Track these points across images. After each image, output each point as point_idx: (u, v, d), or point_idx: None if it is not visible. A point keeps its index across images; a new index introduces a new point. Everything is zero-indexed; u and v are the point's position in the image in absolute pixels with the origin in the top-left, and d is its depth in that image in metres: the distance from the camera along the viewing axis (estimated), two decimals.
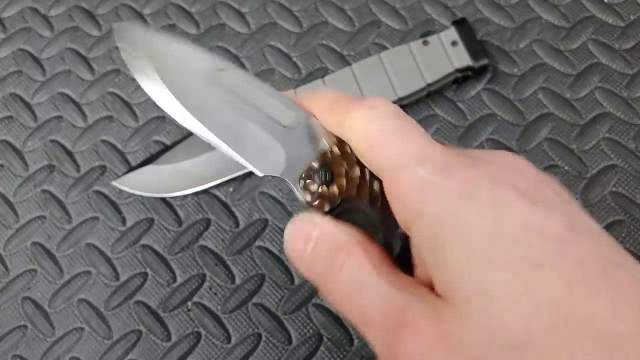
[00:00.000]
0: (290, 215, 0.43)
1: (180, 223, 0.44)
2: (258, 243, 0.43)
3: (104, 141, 0.47)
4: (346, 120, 0.23)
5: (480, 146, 0.44)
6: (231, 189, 0.44)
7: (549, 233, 0.18)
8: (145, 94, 0.50)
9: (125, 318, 0.42)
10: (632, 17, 0.47)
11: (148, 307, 0.42)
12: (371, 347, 0.21)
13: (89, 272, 0.43)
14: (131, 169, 0.45)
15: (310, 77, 0.47)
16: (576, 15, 0.48)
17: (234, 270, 0.43)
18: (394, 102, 0.42)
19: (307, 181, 0.24)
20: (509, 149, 0.44)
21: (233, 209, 0.44)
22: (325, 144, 0.25)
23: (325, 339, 0.41)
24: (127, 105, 0.48)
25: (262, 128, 0.25)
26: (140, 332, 0.42)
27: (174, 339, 0.41)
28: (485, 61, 0.44)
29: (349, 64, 0.46)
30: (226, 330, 0.41)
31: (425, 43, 0.45)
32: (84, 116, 0.48)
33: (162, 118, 0.47)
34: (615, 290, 0.18)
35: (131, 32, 0.26)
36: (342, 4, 0.49)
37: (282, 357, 0.40)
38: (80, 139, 0.47)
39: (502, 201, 0.19)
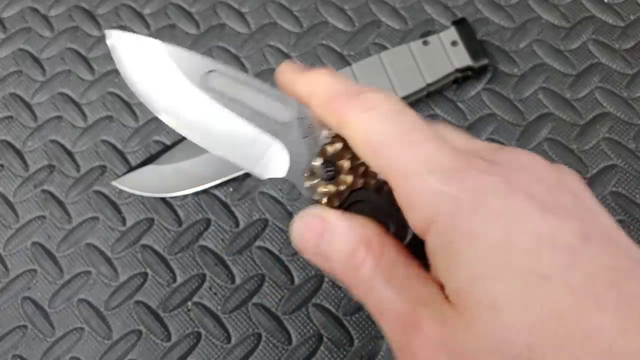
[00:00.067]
0: (290, 215, 0.43)
1: (180, 223, 0.44)
2: (258, 243, 0.43)
3: (104, 141, 0.47)
4: (344, 123, 0.22)
5: None
6: (231, 189, 0.44)
7: (560, 243, 0.18)
8: None
9: (125, 318, 0.42)
10: (632, 17, 0.47)
11: (148, 307, 0.42)
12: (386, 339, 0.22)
13: (89, 272, 0.43)
14: (131, 169, 0.45)
15: None
16: (576, 15, 0.48)
17: (234, 270, 0.43)
18: None
19: (313, 180, 0.24)
20: None
21: (233, 209, 0.44)
22: (325, 136, 0.24)
23: (325, 339, 0.41)
24: (127, 105, 0.48)
25: (260, 129, 0.24)
26: (140, 332, 0.42)
27: (174, 339, 0.41)
28: (485, 61, 0.44)
29: (349, 64, 0.46)
30: (226, 330, 0.41)
31: (425, 43, 0.45)
32: (84, 116, 0.48)
33: None
34: (624, 304, 0.17)
35: (123, 43, 0.25)
36: (342, 4, 0.49)
37: (282, 357, 0.40)
38: (80, 139, 0.47)
39: (514, 210, 0.19)
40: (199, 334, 0.41)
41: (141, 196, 0.44)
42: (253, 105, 0.25)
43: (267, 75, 0.48)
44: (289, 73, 0.25)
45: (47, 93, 0.49)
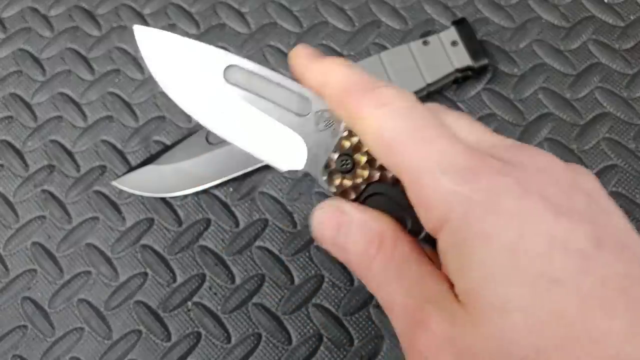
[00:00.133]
0: (290, 215, 0.43)
1: (180, 223, 0.44)
2: (258, 243, 0.43)
3: (104, 141, 0.47)
4: (357, 119, 0.22)
5: None
6: (231, 189, 0.44)
7: (573, 247, 0.18)
8: (145, 94, 0.50)
9: (125, 318, 0.42)
10: (632, 17, 0.47)
11: (148, 307, 0.42)
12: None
13: (89, 272, 0.43)
14: (131, 169, 0.45)
15: None
16: (576, 15, 0.48)
17: (234, 270, 0.43)
18: None
19: (330, 173, 0.24)
20: None
21: (233, 209, 0.44)
22: (342, 129, 0.24)
23: (325, 339, 0.41)
24: (127, 105, 0.48)
25: (279, 121, 0.25)
26: (140, 332, 0.42)
27: (174, 339, 0.41)
28: (485, 61, 0.44)
29: None
30: (226, 330, 0.41)
31: (425, 43, 0.45)
32: (84, 116, 0.48)
33: (162, 118, 0.47)
34: (634, 311, 0.17)
35: (151, 39, 0.26)
36: (342, 4, 0.49)
37: (282, 357, 0.40)
38: (80, 139, 0.47)
39: (528, 212, 0.19)
40: (199, 334, 0.41)
41: (141, 196, 0.44)
42: (272, 98, 0.25)
43: None
44: (302, 59, 0.25)
45: (47, 93, 0.49)
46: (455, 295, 0.20)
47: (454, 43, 0.45)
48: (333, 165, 0.24)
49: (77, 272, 0.43)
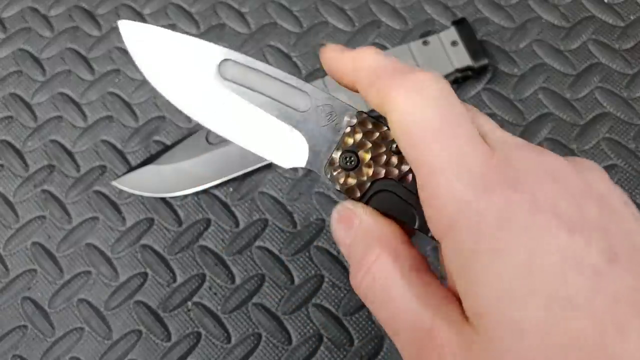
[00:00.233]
0: (290, 215, 0.43)
1: (180, 223, 0.44)
2: (258, 243, 0.43)
3: (104, 141, 0.47)
4: (387, 101, 0.21)
5: None
6: (231, 189, 0.44)
7: (585, 264, 0.18)
8: (145, 93, 0.50)
9: (125, 318, 0.42)
10: (632, 17, 0.47)
11: (148, 307, 0.42)
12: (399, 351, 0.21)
13: (89, 272, 0.43)
14: (131, 169, 0.45)
15: (310, 77, 0.47)
16: (576, 15, 0.48)
17: (234, 270, 0.43)
18: None
19: (334, 170, 0.24)
20: None
21: (233, 209, 0.44)
22: (345, 123, 0.23)
23: (325, 339, 0.41)
24: (127, 105, 0.48)
25: (277, 118, 0.24)
26: (140, 332, 0.42)
27: (174, 339, 0.41)
28: (485, 61, 0.44)
29: None
30: (226, 330, 0.41)
31: (425, 43, 0.45)
32: (84, 116, 0.48)
33: (162, 118, 0.47)
34: None
35: (137, 33, 0.25)
36: (342, 4, 0.49)
37: (282, 357, 0.40)
38: (80, 139, 0.47)
39: (540, 230, 0.18)
40: (199, 334, 0.41)
41: (141, 196, 0.44)
42: (270, 93, 0.24)
43: None
44: (333, 52, 0.24)
45: (47, 93, 0.49)
46: (463, 313, 0.20)
47: (454, 43, 0.45)
48: (337, 163, 0.23)
49: (77, 272, 0.43)
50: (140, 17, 0.50)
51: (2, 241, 0.45)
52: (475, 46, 0.44)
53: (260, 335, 0.41)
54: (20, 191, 0.46)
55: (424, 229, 0.22)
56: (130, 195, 0.45)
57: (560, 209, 0.19)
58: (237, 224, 0.44)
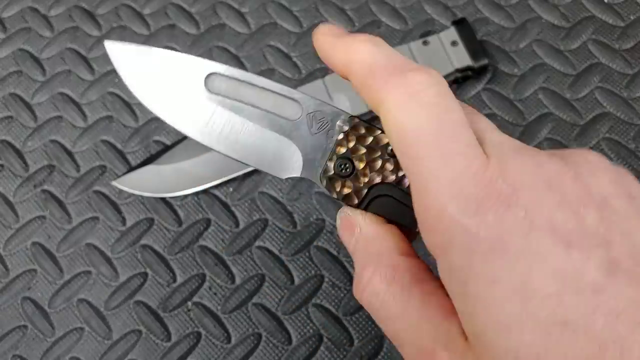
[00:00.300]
0: (290, 215, 0.43)
1: (180, 223, 0.44)
2: (258, 243, 0.43)
3: (104, 141, 0.47)
4: (380, 105, 0.20)
5: None
6: (231, 189, 0.44)
7: (584, 282, 0.17)
8: None
9: (125, 318, 0.42)
10: (632, 17, 0.47)
11: (148, 307, 0.42)
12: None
13: (89, 272, 0.43)
14: (131, 169, 0.45)
15: (310, 77, 0.47)
16: (576, 15, 0.48)
17: (234, 270, 0.43)
18: None
19: (330, 179, 0.23)
20: None
21: (233, 209, 0.44)
22: (337, 128, 0.23)
23: (325, 339, 0.41)
24: (127, 105, 0.48)
25: (269, 129, 0.24)
26: (140, 332, 0.42)
27: (174, 339, 0.41)
28: (485, 61, 0.44)
29: None
30: (226, 330, 0.41)
31: (425, 43, 0.45)
32: (84, 116, 0.48)
33: None
34: None
35: (123, 53, 0.25)
36: (342, 4, 0.49)
37: (282, 357, 0.40)
38: (80, 139, 0.47)
39: (534, 252, 0.18)
40: (199, 334, 0.41)
41: (141, 196, 0.44)
42: (259, 104, 0.24)
43: (267, 75, 0.48)
44: (327, 36, 0.23)
45: (47, 93, 0.49)
46: (464, 332, 0.19)
47: (454, 43, 0.45)
48: (331, 171, 0.23)
49: (77, 272, 0.43)
50: (140, 17, 0.50)
51: (2, 241, 0.45)
52: (475, 46, 0.44)
53: (260, 335, 0.41)
54: (20, 191, 0.46)
55: None
56: (130, 195, 0.45)
57: (556, 221, 0.18)
58: (237, 224, 0.44)
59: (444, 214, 0.19)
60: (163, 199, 0.44)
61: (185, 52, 0.49)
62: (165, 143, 0.46)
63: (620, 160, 0.43)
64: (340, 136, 0.23)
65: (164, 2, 0.51)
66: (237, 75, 0.24)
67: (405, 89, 0.20)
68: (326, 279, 0.42)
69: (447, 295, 0.20)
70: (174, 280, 0.43)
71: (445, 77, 0.44)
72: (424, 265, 0.22)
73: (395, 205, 0.23)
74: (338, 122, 0.23)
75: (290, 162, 0.24)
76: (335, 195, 0.23)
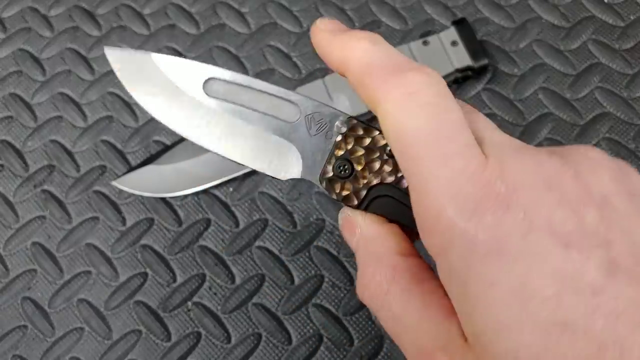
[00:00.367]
0: (290, 215, 0.43)
1: (180, 223, 0.44)
2: (258, 243, 0.43)
3: (104, 141, 0.47)
4: (378, 106, 0.20)
5: None
6: (231, 189, 0.44)
7: (584, 283, 0.17)
8: None
9: (125, 318, 0.42)
10: (632, 17, 0.47)
11: (148, 307, 0.42)
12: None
13: (89, 272, 0.43)
14: (131, 169, 0.45)
15: (310, 77, 0.47)
16: (576, 15, 0.48)
17: (234, 270, 0.43)
18: None
19: (329, 180, 0.23)
20: None
21: (233, 209, 0.44)
22: (335, 130, 0.23)
23: (325, 339, 0.41)
24: (127, 105, 0.48)
25: (267, 131, 0.24)
26: (140, 332, 0.42)
27: (174, 339, 0.41)
28: (485, 61, 0.44)
29: None
30: (226, 330, 0.41)
31: (425, 43, 0.45)
32: (84, 116, 0.48)
33: None
34: None
35: (123, 58, 0.26)
36: (342, 4, 0.49)
37: (282, 357, 0.40)
38: (80, 139, 0.47)
39: (533, 253, 0.18)
40: (199, 334, 0.41)
41: (141, 196, 0.44)
42: (257, 107, 0.24)
43: (267, 75, 0.48)
44: (324, 32, 0.22)
45: (47, 93, 0.49)
46: (464, 333, 0.19)
47: (454, 43, 0.45)
48: (330, 172, 0.23)
49: (77, 272, 0.43)
50: (140, 17, 0.50)
51: (2, 241, 0.45)
52: (475, 46, 0.44)
53: (260, 335, 0.41)
54: (20, 191, 0.46)
55: None
56: (130, 195, 0.45)
57: (555, 221, 0.18)
58: (237, 224, 0.44)
59: (442, 216, 0.18)
60: (163, 199, 0.44)
61: (186, 52, 0.49)
62: (165, 143, 0.46)
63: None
64: (339, 138, 0.23)
65: (164, 2, 0.51)
66: (235, 79, 0.24)
67: (404, 89, 0.19)
68: (326, 279, 0.42)
69: (445, 308, 0.20)
70: (174, 280, 0.43)
71: (445, 77, 0.44)
72: (425, 264, 0.22)
73: (395, 206, 0.23)
74: (336, 124, 0.23)
75: (290, 164, 0.24)
76: (334, 197, 0.23)
